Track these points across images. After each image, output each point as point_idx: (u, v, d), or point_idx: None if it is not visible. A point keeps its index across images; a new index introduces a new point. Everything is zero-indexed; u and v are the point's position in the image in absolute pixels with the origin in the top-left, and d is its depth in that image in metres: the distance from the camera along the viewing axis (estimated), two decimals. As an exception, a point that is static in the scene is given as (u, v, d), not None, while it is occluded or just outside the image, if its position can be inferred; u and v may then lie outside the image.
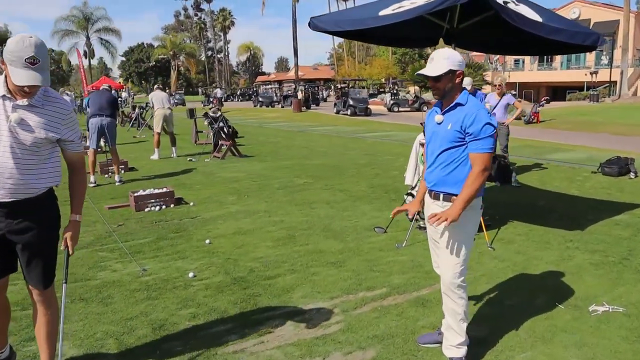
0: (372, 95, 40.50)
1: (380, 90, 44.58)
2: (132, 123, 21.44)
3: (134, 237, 5.54)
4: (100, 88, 8.92)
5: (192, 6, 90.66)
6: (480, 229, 5.23)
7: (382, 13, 4.67)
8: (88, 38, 55.73)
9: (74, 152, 2.68)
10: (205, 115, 13.96)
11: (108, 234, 5.65)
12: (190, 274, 4.36)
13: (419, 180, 5.59)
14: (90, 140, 8.50)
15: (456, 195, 2.75)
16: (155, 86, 12.97)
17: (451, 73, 2.73)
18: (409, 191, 5.78)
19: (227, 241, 5.35)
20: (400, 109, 30.99)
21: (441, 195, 2.84)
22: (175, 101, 48.95)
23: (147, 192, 7.04)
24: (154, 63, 71.92)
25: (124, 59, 77.06)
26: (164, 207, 6.87)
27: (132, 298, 3.93)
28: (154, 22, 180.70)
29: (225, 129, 12.51)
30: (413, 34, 5.89)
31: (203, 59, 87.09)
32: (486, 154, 2.70)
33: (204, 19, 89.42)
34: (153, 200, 6.85)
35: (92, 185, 8.41)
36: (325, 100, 46.91)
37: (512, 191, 7.72)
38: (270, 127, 21.73)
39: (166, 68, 70.88)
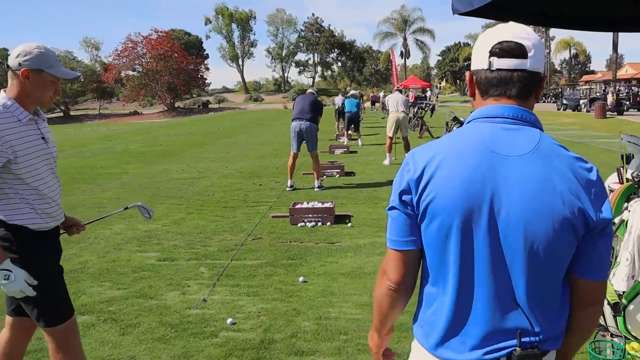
0: None
1: None
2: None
3: (248, 257, 5.18)
4: (307, 92, 8.86)
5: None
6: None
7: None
8: (405, 39, 59.22)
9: None
10: (455, 119, 12.81)
11: (234, 247, 5.46)
12: (229, 320, 3.71)
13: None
14: (291, 144, 8.54)
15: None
16: (395, 88, 12.45)
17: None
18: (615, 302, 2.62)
19: (323, 283, 4.44)
20: None
21: None
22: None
23: (310, 205, 6.62)
24: (467, 62, 71.47)
25: (440, 58, 79.09)
26: (319, 223, 6.31)
27: (149, 333, 3.55)
28: (476, 21, 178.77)
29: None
30: (595, 11, 3.61)
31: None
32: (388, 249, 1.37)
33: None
34: (310, 215, 6.39)
35: (289, 189, 8.49)
36: (656, 104, 37.90)
37: None
38: (556, 136, 18.54)
39: (479, 66, 69.53)
